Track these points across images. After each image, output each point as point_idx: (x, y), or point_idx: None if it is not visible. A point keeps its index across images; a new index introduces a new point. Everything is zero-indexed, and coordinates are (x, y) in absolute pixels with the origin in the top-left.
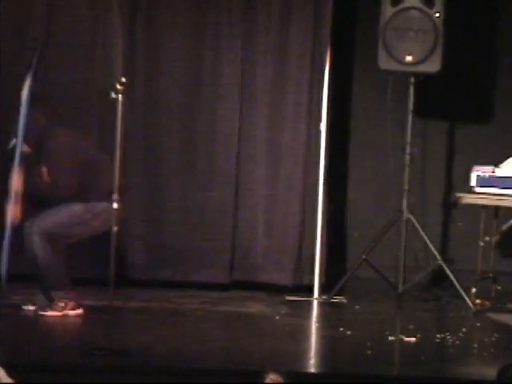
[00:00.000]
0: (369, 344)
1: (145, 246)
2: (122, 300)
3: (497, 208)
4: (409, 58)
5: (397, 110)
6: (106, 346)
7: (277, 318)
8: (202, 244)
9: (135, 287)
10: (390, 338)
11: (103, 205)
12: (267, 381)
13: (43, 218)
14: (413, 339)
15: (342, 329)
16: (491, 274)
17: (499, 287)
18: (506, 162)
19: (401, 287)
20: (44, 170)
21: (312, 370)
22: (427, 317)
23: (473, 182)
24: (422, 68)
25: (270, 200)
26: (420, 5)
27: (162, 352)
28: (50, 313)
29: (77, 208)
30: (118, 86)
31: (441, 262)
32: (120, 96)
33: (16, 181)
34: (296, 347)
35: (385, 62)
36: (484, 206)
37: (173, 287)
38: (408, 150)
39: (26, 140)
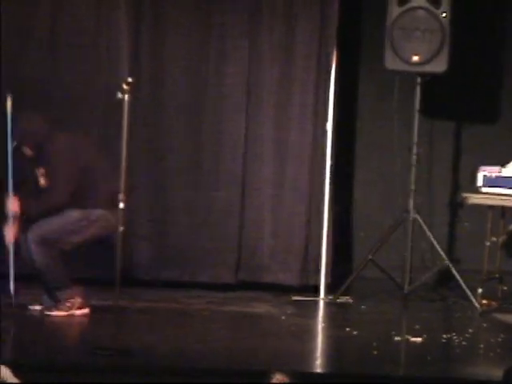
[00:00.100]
0: (375, 344)
1: (150, 245)
2: (127, 300)
3: (503, 208)
4: (415, 58)
5: (403, 110)
6: (110, 345)
7: (283, 318)
8: (208, 244)
9: (140, 287)
10: (396, 338)
11: (99, 212)
12: (273, 381)
13: (38, 225)
14: (419, 339)
15: (348, 329)
16: (497, 275)
17: (505, 287)
18: None
19: (407, 287)
20: (42, 172)
21: (318, 370)
22: (433, 317)
23: (479, 182)
24: (428, 68)
25: (276, 200)
26: (427, 4)
27: (167, 352)
28: (55, 313)
29: (73, 215)
30: (125, 86)
31: (447, 263)
32: (126, 96)
33: (12, 204)
34: (302, 347)
35: (391, 62)
36: (490, 206)
37: (178, 287)
38: (414, 150)
39: (26, 143)
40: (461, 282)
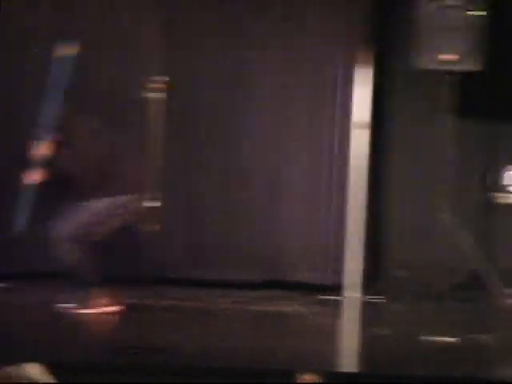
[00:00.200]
0: (405, 344)
1: (177, 244)
2: (152, 298)
3: None
4: (445, 57)
5: (433, 108)
6: (137, 344)
7: (310, 317)
8: (236, 243)
9: (167, 285)
10: (428, 338)
11: (126, 198)
12: (302, 381)
13: (64, 222)
14: (451, 340)
15: (377, 328)
16: None
17: None
18: None
19: (438, 287)
20: (67, 156)
21: (347, 369)
22: (465, 317)
23: (510, 182)
24: (458, 67)
25: (303, 199)
26: (458, 2)
27: (193, 351)
28: (86, 310)
29: (99, 205)
30: (155, 86)
31: (479, 262)
32: (157, 95)
33: (42, 148)
34: (330, 347)
35: (421, 61)
36: None
37: (205, 286)
38: (443, 150)
39: (51, 129)
40: (493, 281)
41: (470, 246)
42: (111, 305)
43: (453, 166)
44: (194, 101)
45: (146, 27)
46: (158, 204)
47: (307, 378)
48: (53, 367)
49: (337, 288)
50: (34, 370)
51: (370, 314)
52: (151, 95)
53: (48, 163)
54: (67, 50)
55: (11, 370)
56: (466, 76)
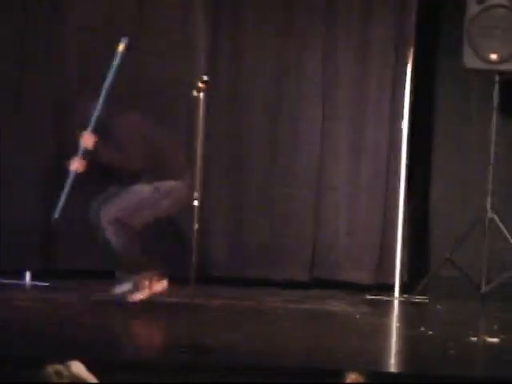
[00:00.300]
0: (450, 344)
1: (226, 243)
2: (202, 298)
3: None
4: (494, 57)
5: (481, 109)
6: (187, 343)
7: (357, 316)
8: (284, 242)
9: (217, 285)
10: (473, 339)
11: (171, 183)
12: (348, 380)
13: (111, 205)
14: (496, 340)
15: (423, 328)
16: None
17: None
18: None
19: (484, 287)
20: (109, 146)
21: (393, 369)
22: (511, 317)
23: None
24: (507, 66)
25: (351, 198)
26: (506, 2)
27: (244, 350)
28: (135, 296)
29: (145, 189)
30: (201, 85)
31: None
32: (202, 94)
33: (87, 139)
34: (377, 347)
35: (470, 61)
36: None
37: (254, 285)
38: (492, 150)
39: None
40: None
41: None
42: (161, 279)
43: (501, 165)
44: (240, 100)
45: (195, 27)
46: (202, 203)
47: (353, 377)
48: (97, 365)
49: (384, 288)
50: (77, 368)
51: (415, 313)
52: (199, 94)
53: (93, 153)
54: (120, 47)
55: (56, 368)
56: None
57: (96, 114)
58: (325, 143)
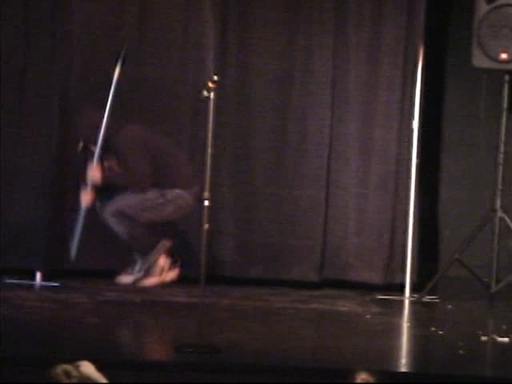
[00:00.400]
0: (461, 344)
1: (235, 243)
2: (212, 297)
3: None
4: (503, 56)
5: (490, 108)
6: (196, 343)
7: (367, 316)
8: (293, 242)
9: (226, 285)
10: (483, 338)
11: (176, 191)
12: (358, 380)
13: (115, 200)
14: (506, 339)
15: (433, 328)
16: None
17: None
18: None
19: (494, 287)
20: (112, 163)
21: (403, 369)
22: None
23: None
24: None
25: (361, 198)
26: None
27: (252, 350)
28: (147, 282)
29: (149, 193)
30: (210, 85)
31: None
32: (212, 94)
33: (95, 173)
34: (387, 346)
35: (479, 60)
36: None
37: (263, 285)
38: (502, 149)
39: (91, 140)
40: None
41: None
42: (173, 267)
43: (511, 164)
44: (248, 100)
45: (205, 28)
46: (212, 203)
47: (363, 377)
48: (106, 365)
49: (393, 287)
50: (87, 368)
51: (426, 313)
52: (209, 94)
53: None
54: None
55: (65, 368)
56: None
57: (101, 135)
58: (334, 143)
